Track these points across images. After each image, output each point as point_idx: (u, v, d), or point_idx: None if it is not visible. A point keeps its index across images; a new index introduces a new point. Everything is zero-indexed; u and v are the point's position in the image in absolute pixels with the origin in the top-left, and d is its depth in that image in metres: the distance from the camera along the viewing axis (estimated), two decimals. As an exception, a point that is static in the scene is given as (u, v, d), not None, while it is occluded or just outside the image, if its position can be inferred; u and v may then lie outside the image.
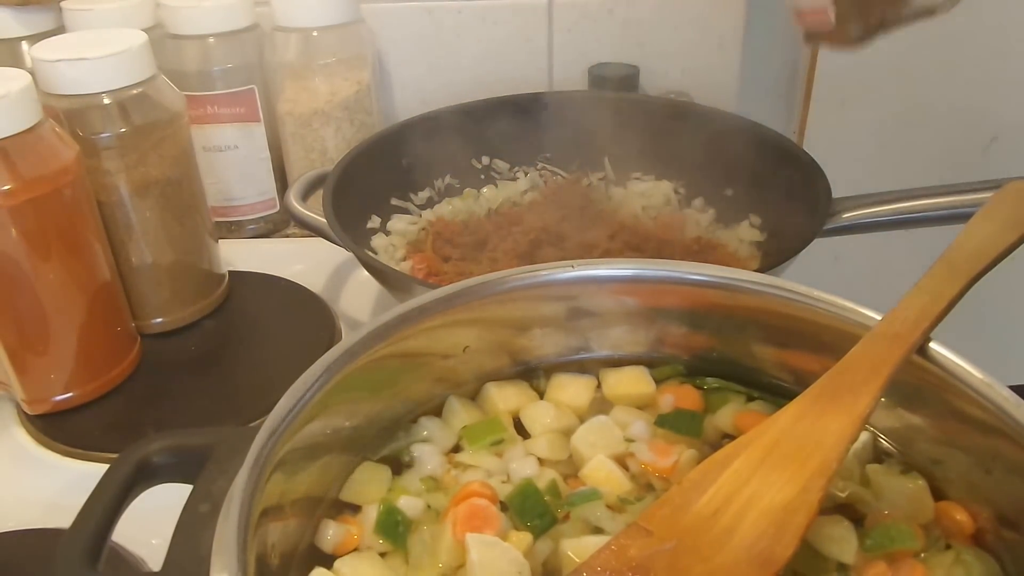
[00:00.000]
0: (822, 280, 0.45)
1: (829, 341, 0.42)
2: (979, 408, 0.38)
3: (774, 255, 0.69)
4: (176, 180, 0.65)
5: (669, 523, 0.37)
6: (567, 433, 0.46)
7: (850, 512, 0.41)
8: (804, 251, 0.61)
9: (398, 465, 0.45)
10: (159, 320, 0.68)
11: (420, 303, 0.43)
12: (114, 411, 0.62)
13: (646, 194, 0.81)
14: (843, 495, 0.41)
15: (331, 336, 0.69)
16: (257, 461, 0.34)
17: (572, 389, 0.48)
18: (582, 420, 0.47)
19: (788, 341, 0.46)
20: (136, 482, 0.38)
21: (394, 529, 0.40)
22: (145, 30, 0.63)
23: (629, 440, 0.45)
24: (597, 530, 0.41)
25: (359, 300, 0.76)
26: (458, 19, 0.92)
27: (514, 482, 0.43)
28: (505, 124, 0.83)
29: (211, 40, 0.80)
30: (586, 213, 0.77)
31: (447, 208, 0.81)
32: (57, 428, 0.61)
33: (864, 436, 0.44)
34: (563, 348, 0.49)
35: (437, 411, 0.47)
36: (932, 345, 0.40)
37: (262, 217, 0.88)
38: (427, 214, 0.80)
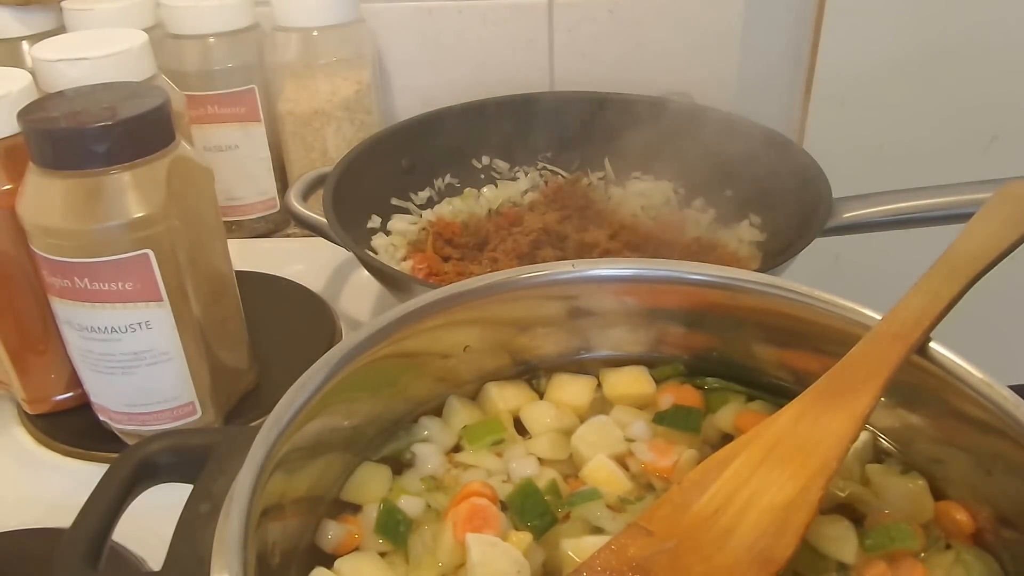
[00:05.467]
0: (822, 280, 0.45)
1: (829, 341, 0.42)
2: (979, 408, 0.38)
3: (774, 255, 0.69)
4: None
5: (669, 523, 0.37)
6: (567, 433, 0.46)
7: (850, 512, 0.41)
8: (804, 251, 0.61)
9: (398, 465, 0.45)
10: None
11: (420, 303, 0.43)
12: (114, 411, 0.62)
13: (646, 194, 0.81)
14: (843, 495, 0.41)
15: (331, 336, 0.69)
16: (257, 461, 0.34)
17: (572, 389, 0.48)
18: (582, 420, 0.47)
19: (788, 341, 0.46)
20: (136, 482, 0.38)
21: (394, 529, 0.41)
22: (145, 30, 0.63)
23: (629, 440, 0.46)
24: (597, 530, 0.41)
25: (359, 300, 0.76)
26: (458, 19, 0.92)
27: (514, 482, 0.43)
28: (505, 124, 0.83)
29: (211, 40, 0.80)
30: (586, 213, 0.77)
31: (447, 208, 0.81)
32: (57, 428, 0.61)
33: (864, 436, 0.44)
34: (563, 348, 0.49)
35: (437, 411, 0.47)
36: (932, 345, 0.40)
37: (262, 217, 0.89)
38: (427, 214, 0.80)
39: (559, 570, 0.39)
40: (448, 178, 0.83)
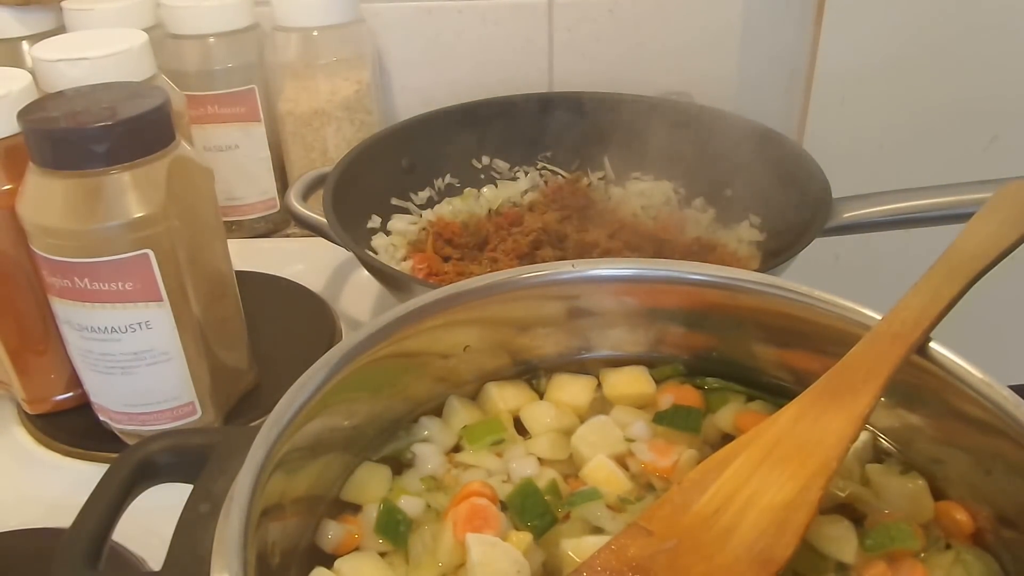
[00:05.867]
0: (822, 280, 0.45)
1: (829, 341, 0.42)
2: (979, 408, 0.38)
3: (774, 255, 0.69)
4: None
5: (669, 523, 0.37)
6: (567, 433, 0.46)
7: (850, 512, 0.41)
8: (804, 251, 0.61)
9: (398, 465, 0.45)
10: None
11: (420, 303, 0.43)
12: (114, 411, 0.62)
13: (646, 194, 0.81)
14: (843, 495, 0.41)
15: (331, 336, 0.69)
16: (257, 461, 0.34)
17: (572, 389, 0.48)
18: (582, 420, 0.47)
19: (788, 341, 0.46)
20: (137, 482, 0.38)
21: (394, 529, 0.41)
22: (145, 30, 0.63)
23: (629, 440, 0.45)
24: (597, 530, 0.41)
25: (359, 300, 0.76)
26: (458, 19, 0.92)
27: (514, 482, 0.43)
28: (505, 124, 0.83)
29: (211, 40, 0.80)
30: (586, 213, 0.77)
31: (447, 208, 0.81)
32: (57, 428, 0.61)
33: (864, 436, 0.44)
34: (563, 348, 0.49)
35: (437, 411, 0.47)
36: (932, 345, 0.40)
37: (262, 217, 0.89)
38: (427, 214, 0.80)
39: (559, 570, 0.39)
40: (448, 178, 0.83)
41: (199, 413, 0.57)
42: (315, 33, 0.82)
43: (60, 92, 0.53)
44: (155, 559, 0.48)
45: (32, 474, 0.59)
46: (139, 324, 0.52)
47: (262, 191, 0.87)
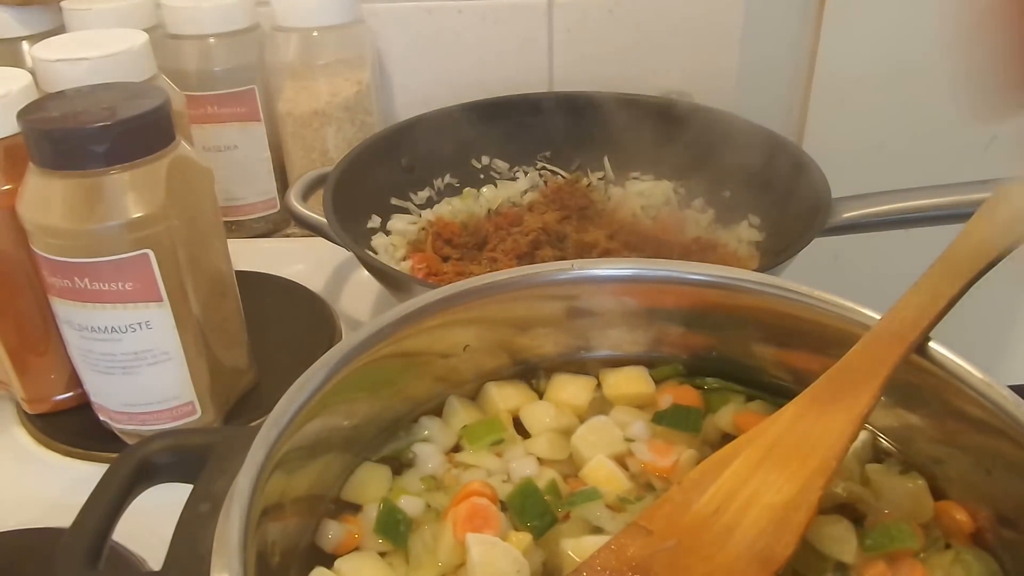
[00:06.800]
0: (822, 280, 0.45)
1: (829, 341, 0.42)
2: (979, 408, 0.38)
3: (774, 255, 0.69)
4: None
5: (669, 522, 0.37)
6: (567, 433, 0.46)
7: (850, 512, 0.41)
8: (804, 251, 0.61)
9: (398, 465, 0.45)
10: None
11: (420, 303, 0.43)
12: (114, 411, 0.62)
13: (645, 194, 0.81)
14: (843, 495, 0.41)
15: (331, 336, 0.69)
16: (257, 461, 0.34)
17: (572, 389, 0.48)
18: (582, 420, 0.47)
19: (788, 341, 0.46)
20: (137, 482, 0.38)
21: (394, 528, 0.41)
22: (145, 30, 0.63)
23: (629, 440, 0.46)
24: (597, 530, 0.41)
25: (359, 300, 0.76)
26: (458, 19, 0.92)
27: (514, 482, 0.43)
28: (505, 124, 0.83)
29: (211, 40, 0.80)
30: (586, 213, 0.77)
31: (447, 208, 0.81)
32: (57, 428, 0.61)
33: (864, 435, 0.44)
34: (563, 348, 0.49)
35: (437, 411, 0.47)
36: (932, 344, 0.40)
37: (262, 217, 0.89)
38: (427, 214, 0.80)
39: (559, 570, 0.39)
40: (448, 178, 0.83)
41: (199, 413, 0.57)
42: (315, 33, 0.82)
43: (60, 92, 0.53)
44: (155, 559, 0.47)
45: (32, 474, 0.59)
46: (139, 324, 0.52)
47: (262, 191, 0.87)
